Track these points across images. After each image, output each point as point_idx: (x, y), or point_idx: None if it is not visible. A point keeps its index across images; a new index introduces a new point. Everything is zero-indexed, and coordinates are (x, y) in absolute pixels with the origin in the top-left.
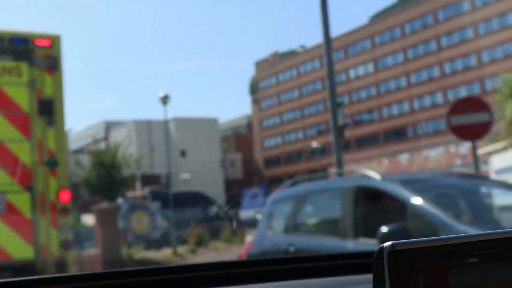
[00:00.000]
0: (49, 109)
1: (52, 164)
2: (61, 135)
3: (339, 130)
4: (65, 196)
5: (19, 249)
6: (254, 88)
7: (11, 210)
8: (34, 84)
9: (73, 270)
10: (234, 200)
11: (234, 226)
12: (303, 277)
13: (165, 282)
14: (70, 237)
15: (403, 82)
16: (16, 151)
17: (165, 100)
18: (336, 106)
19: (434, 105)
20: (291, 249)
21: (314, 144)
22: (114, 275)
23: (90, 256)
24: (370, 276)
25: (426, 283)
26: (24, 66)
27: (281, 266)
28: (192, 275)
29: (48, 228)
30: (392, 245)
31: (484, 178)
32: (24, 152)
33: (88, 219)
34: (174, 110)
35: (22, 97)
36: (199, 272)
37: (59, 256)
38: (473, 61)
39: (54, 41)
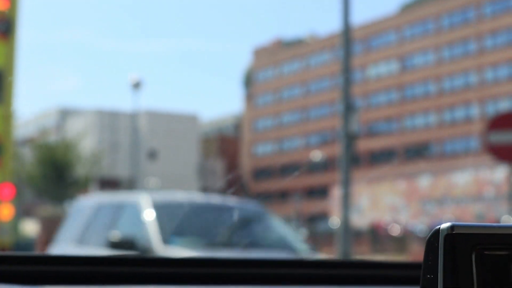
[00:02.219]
0: None
1: None
2: (9, 116)
3: (350, 141)
4: (8, 192)
5: None
6: (248, 81)
7: None
8: None
9: None
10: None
11: None
12: (353, 283)
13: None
14: (8, 243)
15: (432, 87)
16: None
17: (137, 86)
18: (349, 110)
19: (468, 119)
20: None
21: (316, 155)
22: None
23: None
24: None
25: (486, 274)
26: None
27: (333, 270)
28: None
29: None
30: (450, 227)
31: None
32: None
33: (30, 227)
34: (146, 102)
35: None
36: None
37: None
38: None
39: (12, 2)
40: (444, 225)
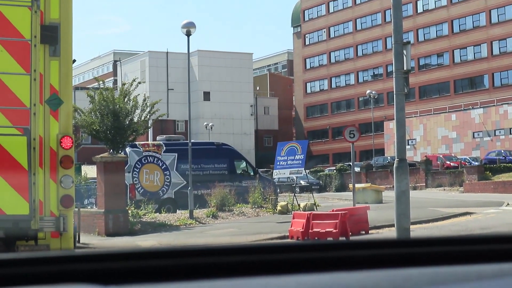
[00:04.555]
0: (54, 36)
1: (54, 103)
2: (67, 69)
3: (404, 76)
4: (68, 143)
5: (12, 204)
6: (297, 19)
7: (4, 157)
8: (37, 5)
9: (72, 232)
10: (266, 155)
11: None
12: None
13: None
14: (72, 192)
15: (482, 19)
16: (12, 86)
17: (189, 30)
18: (402, 45)
19: None
20: None
21: (370, 91)
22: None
23: (91, 216)
24: None
25: None
26: None
27: (444, 247)
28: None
29: (47, 181)
30: None
31: None
32: (21, 88)
33: (88, 171)
34: (198, 45)
35: (22, 21)
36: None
37: (58, 214)
38: None
39: None
40: None
